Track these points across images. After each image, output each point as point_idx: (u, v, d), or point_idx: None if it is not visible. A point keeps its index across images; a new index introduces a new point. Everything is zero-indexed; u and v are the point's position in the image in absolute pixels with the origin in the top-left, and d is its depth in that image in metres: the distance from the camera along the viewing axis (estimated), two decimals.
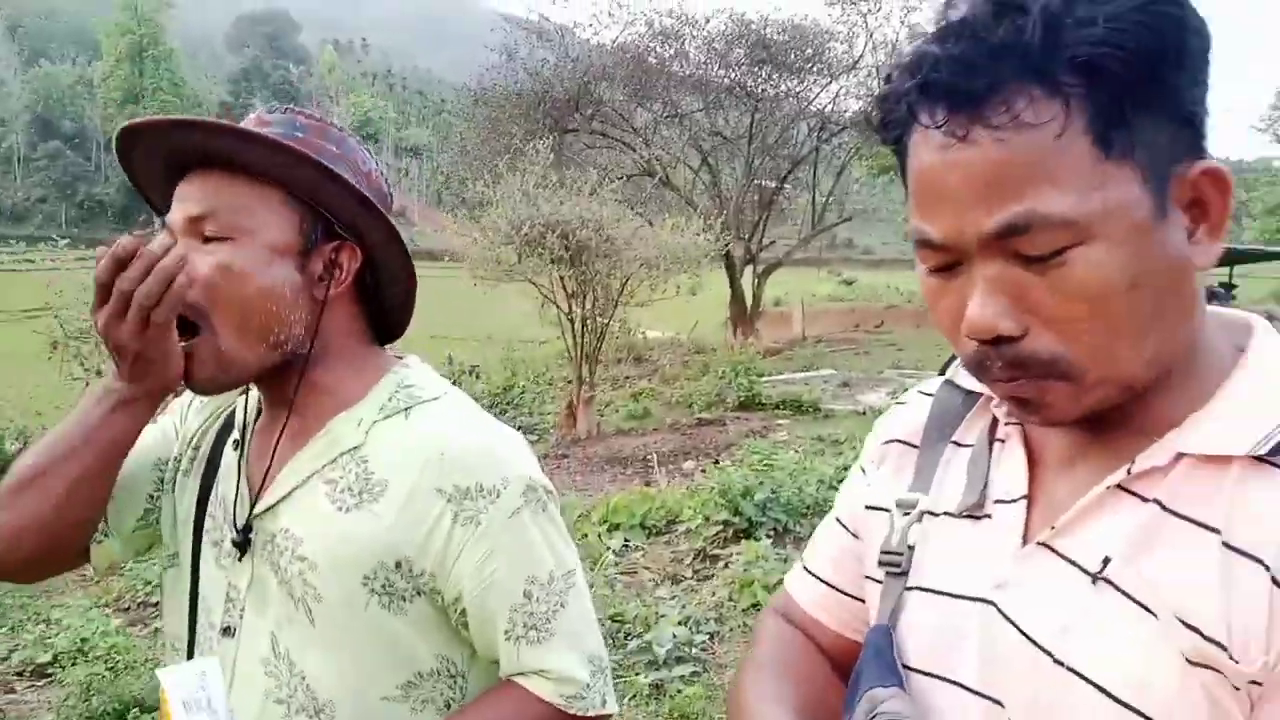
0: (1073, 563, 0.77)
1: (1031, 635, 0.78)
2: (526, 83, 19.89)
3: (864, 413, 12.56)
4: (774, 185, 21.46)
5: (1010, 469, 0.86)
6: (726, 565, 5.90)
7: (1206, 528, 0.72)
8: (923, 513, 0.92)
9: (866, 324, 28.67)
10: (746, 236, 19.46)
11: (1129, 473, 0.76)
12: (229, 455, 1.25)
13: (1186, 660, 0.70)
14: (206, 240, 1.12)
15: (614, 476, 9.93)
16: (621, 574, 5.71)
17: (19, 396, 13.27)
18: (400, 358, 1.27)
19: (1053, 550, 0.79)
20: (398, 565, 1.13)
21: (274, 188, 1.14)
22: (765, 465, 7.67)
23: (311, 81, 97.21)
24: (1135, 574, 0.74)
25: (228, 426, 1.28)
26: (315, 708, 1.14)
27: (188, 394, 1.31)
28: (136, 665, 4.67)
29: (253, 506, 1.18)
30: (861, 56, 21.01)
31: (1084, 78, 0.68)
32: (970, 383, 0.94)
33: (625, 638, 4.62)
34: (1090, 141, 0.69)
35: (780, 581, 4.01)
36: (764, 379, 14.37)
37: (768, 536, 6.28)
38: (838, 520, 1.06)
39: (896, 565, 0.91)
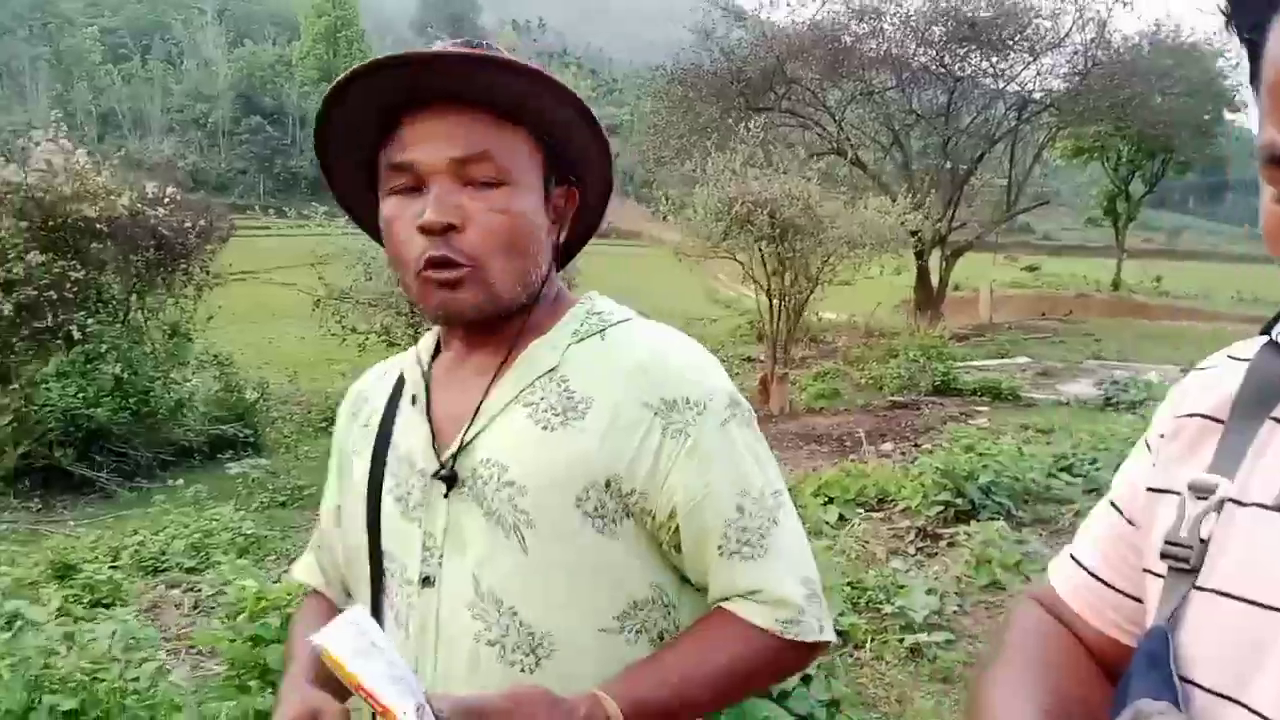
0: None
1: None
2: (721, 62, 20.01)
3: (1067, 403, 12.18)
4: (968, 167, 20.82)
5: None
6: (951, 544, 5.96)
7: None
8: (1223, 500, 0.75)
9: (1054, 312, 27.55)
10: (936, 218, 19.02)
11: None
12: (407, 412, 1.21)
13: None
14: (476, 185, 1.08)
15: (810, 453, 10.02)
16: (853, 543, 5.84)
17: (245, 353, 14.52)
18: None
19: None
20: (608, 484, 1.08)
21: (522, 127, 1.10)
22: (969, 449, 7.63)
23: None
24: None
25: (396, 392, 1.25)
26: (531, 644, 1.09)
27: (341, 413, 1.33)
28: None
29: (461, 445, 1.13)
30: (1068, 33, 20.11)
31: None
32: None
33: (867, 605, 4.76)
34: None
35: (1018, 562, 4.03)
36: (957, 364, 14.11)
37: (990, 519, 6.28)
38: (1112, 504, 0.92)
39: (1184, 560, 0.76)
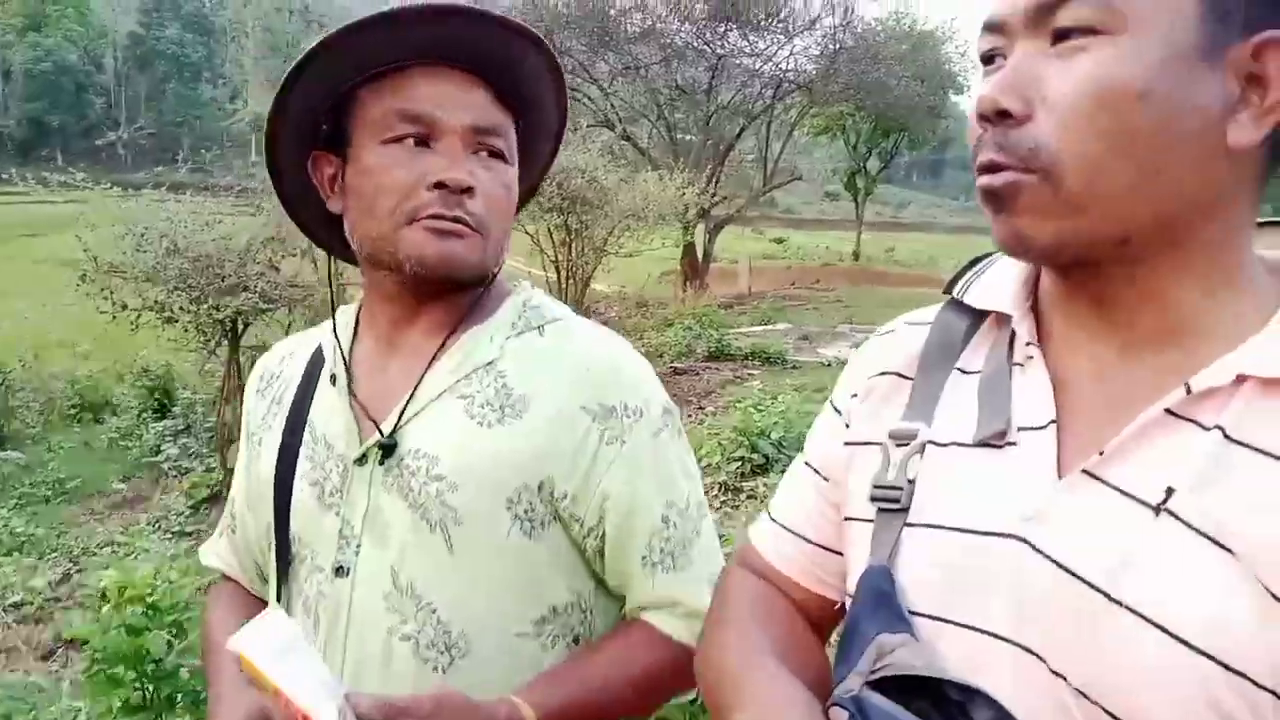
0: (1126, 493, 0.69)
1: (1077, 572, 0.69)
2: None
3: (829, 364, 13.17)
4: (729, 142, 21.82)
5: (1033, 392, 0.77)
6: (750, 496, 6.45)
7: None
8: (924, 443, 0.82)
9: (803, 281, 29.37)
10: (703, 192, 19.84)
11: (1188, 392, 0.69)
12: (327, 393, 1.17)
13: (1273, 597, 0.63)
14: (484, 154, 1.10)
15: None
16: None
17: None
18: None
19: (1099, 480, 0.71)
20: (540, 487, 1.08)
21: (510, 111, 1.14)
22: (756, 408, 8.22)
23: (225, 14, 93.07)
24: (1203, 507, 0.66)
25: (312, 371, 1.21)
26: (447, 643, 1.07)
27: (249, 390, 1.31)
28: None
29: (394, 429, 1.10)
30: (819, 17, 21.47)
31: None
32: (980, 299, 0.85)
33: None
34: None
35: None
36: (728, 332, 14.87)
37: (781, 472, 6.84)
38: (807, 464, 0.97)
39: (894, 500, 0.81)
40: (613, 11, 20.35)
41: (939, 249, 50.44)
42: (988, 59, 0.73)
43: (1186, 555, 0.66)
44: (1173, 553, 0.66)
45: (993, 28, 0.72)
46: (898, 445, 0.83)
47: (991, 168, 0.71)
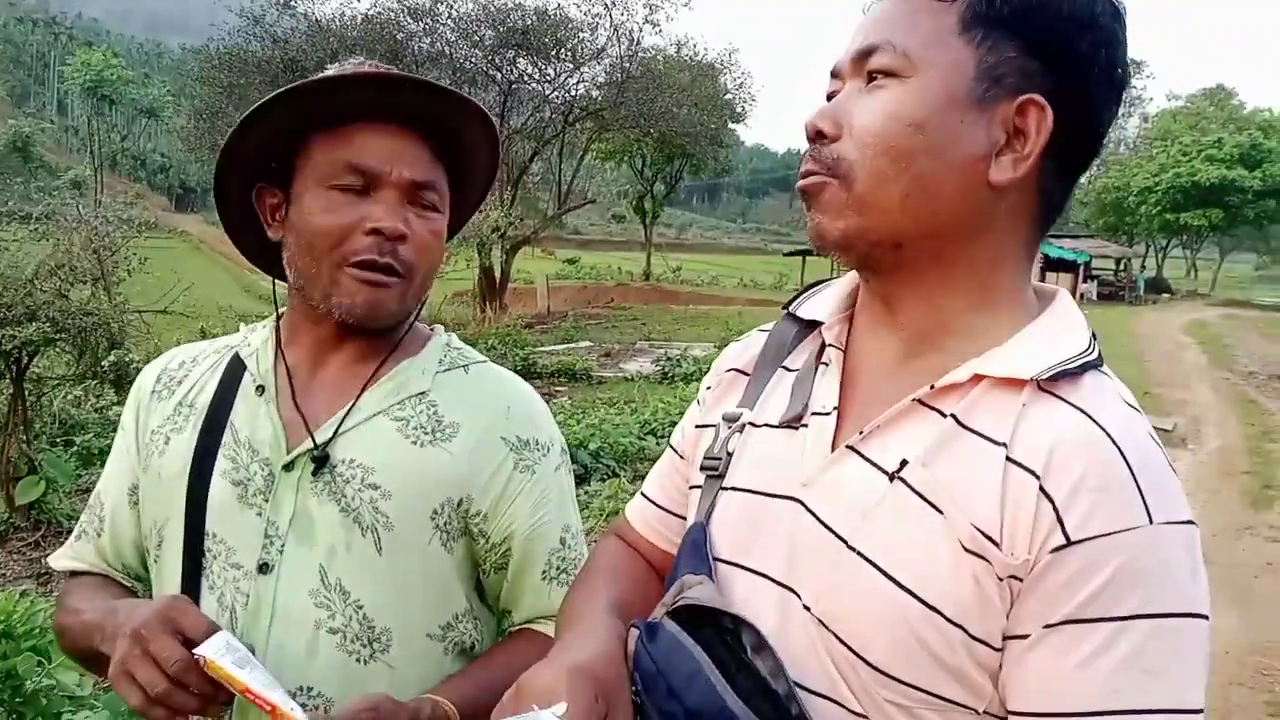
0: (874, 464, 0.85)
1: (830, 524, 0.85)
2: (271, 49, 19.28)
3: (632, 379, 13.69)
4: (522, 166, 22.07)
5: (827, 386, 0.94)
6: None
7: (994, 441, 0.80)
8: (745, 424, 0.98)
9: (598, 300, 30.13)
10: (503, 215, 19.99)
11: (931, 388, 0.84)
12: (250, 401, 1.23)
13: (963, 548, 0.77)
14: (419, 205, 1.20)
15: None
16: None
17: None
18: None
19: (857, 453, 0.86)
20: (459, 503, 1.20)
21: (443, 162, 1.24)
22: (571, 421, 8.54)
23: None
24: (928, 476, 0.81)
25: (231, 379, 1.27)
26: (370, 636, 1.16)
27: (141, 391, 1.32)
28: None
29: (327, 441, 1.18)
30: (605, 47, 22.11)
31: None
32: (808, 312, 1.02)
33: None
34: (956, 17, 0.83)
35: None
36: (533, 350, 15.12)
37: (601, 480, 7.16)
38: (671, 447, 1.13)
39: (715, 469, 0.98)
40: (400, 35, 20.20)
41: (720, 268, 52.91)
42: (828, 98, 0.91)
43: (908, 513, 0.81)
44: (898, 511, 0.81)
45: (834, 73, 0.91)
46: (727, 425, 1.00)
47: (806, 174, 0.88)
